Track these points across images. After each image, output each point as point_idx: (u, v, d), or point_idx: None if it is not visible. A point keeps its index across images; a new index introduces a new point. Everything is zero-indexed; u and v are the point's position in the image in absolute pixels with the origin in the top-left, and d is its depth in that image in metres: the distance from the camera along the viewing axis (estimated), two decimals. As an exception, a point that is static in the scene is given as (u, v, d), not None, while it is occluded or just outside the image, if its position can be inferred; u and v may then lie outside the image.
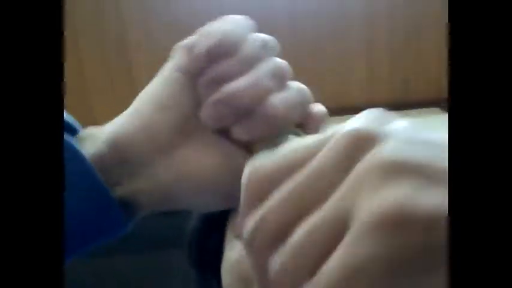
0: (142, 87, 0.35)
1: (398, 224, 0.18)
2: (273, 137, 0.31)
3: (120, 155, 0.32)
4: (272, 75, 0.32)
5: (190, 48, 0.33)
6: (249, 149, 0.33)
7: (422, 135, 0.21)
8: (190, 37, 0.34)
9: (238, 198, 0.30)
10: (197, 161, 0.32)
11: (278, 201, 0.21)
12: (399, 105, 1.57)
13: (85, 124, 0.37)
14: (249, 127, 0.31)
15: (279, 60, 0.33)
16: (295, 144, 0.23)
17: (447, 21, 0.21)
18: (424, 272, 0.18)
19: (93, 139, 0.33)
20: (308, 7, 1.51)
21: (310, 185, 0.20)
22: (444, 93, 1.53)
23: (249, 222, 0.21)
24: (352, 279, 0.18)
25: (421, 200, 0.18)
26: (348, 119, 0.22)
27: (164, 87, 0.33)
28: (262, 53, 0.32)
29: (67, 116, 0.33)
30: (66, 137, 0.31)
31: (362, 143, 0.20)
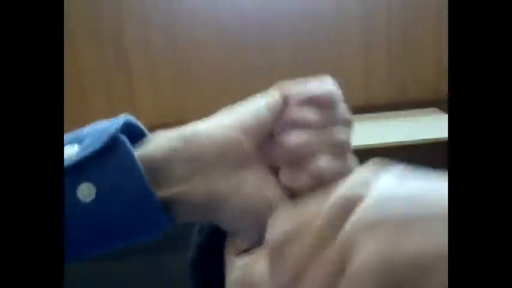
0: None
1: (380, 269, 0.22)
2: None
3: (190, 151, 0.34)
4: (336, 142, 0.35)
5: (285, 93, 0.37)
6: (293, 196, 0.35)
7: (401, 189, 0.25)
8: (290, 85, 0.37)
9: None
10: (251, 186, 0.35)
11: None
12: (397, 106, 1.57)
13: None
14: (294, 176, 0.35)
15: (343, 135, 0.36)
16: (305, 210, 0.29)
17: (447, 22, 0.21)
18: None
19: (160, 139, 0.35)
20: (306, 8, 1.51)
21: (316, 237, 0.27)
22: (442, 94, 1.53)
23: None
24: None
25: (401, 246, 0.22)
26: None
27: (252, 115, 0.36)
28: (342, 121, 0.36)
29: (134, 120, 0.36)
30: (123, 137, 0.33)
31: (348, 205, 0.26)
